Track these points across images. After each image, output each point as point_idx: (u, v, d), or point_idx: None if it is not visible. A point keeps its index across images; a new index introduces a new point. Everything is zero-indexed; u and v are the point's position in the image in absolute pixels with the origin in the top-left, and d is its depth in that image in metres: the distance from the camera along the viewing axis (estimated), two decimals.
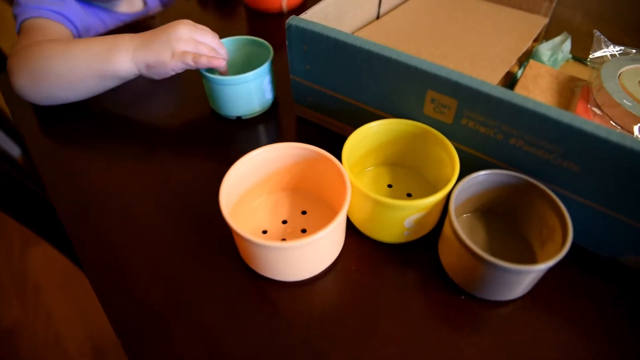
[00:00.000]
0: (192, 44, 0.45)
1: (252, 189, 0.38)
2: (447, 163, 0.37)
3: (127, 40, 0.46)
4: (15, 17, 0.57)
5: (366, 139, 0.39)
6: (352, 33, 0.51)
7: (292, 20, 0.40)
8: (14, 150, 0.84)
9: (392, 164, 0.43)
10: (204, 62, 0.44)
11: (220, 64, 0.45)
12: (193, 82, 0.54)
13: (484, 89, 0.33)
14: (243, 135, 0.48)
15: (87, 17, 0.67)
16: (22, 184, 0.63)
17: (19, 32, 0.55)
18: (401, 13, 0.56)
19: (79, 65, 0.46)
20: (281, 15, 0.66)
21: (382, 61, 0.37)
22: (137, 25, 0.69)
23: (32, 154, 0.48)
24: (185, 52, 0.44)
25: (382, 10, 0.55)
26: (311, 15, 0.42)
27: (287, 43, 0.42)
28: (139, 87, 0.55)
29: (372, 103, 0.41)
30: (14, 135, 0.86)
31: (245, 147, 0.38)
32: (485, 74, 0.45)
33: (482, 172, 0.35)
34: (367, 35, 0.51)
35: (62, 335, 1.14)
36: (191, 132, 0.49)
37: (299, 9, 0.67)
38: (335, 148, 0.37)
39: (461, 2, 0.58)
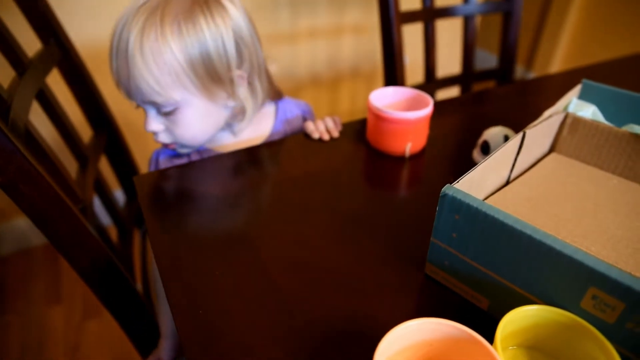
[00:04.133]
0: None
1: (390, 358, 0.36)
2: None
3: None
4: None
5: (517, 321, 0.37)
6: (485, 198, 0.52)
7: (447, 189, 0.41)
8: (105, 219, 0.88)
9: (532, 347, 0.40)
10: None
11: None
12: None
13: None
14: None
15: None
16: (110, 257, 0.66)
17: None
18: (530, 180, 0.56)
19: None
20: (402, 159, 0.69)
21: (542, 248, 0.36)
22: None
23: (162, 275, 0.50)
24: None
25: (513, 174, 0.56)
26: (462, 184, 0.43)
27: (437, 209, 0.42)
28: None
29: (519, 283, 0.40)
30: (107, 203, 0.91)
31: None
32: (633, 263, 0.43)
33: None
34: (499, 202, 0.51)
35: None
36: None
37: (420, 155, 0.70)
38: (464, 315, 0.40)
39: (590, 174, 0.58)
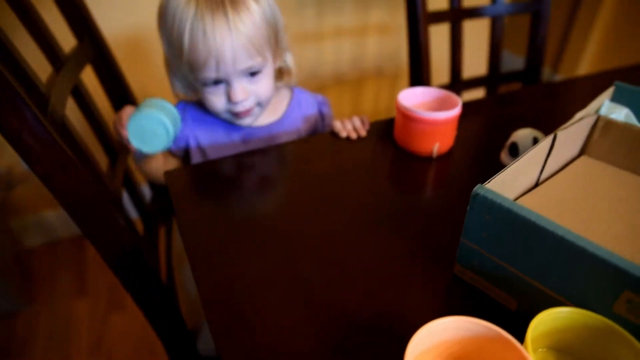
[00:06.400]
0: None
1: (417, 355, 0.37)
2: None
3: None
4: None
5: (547, 323, 0.37)
6: (515, 200, 0.52)
7: (479, 189, 0.41)
8: (132, 213, 0.90)
9: (562, 350, 0.40)
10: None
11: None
12: None
13: None
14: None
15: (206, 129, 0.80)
16: (136, 249, 0.67)
17: None
18: (560, 182, 0.56)
19: None
20: (429, 160, 0.69)
21: (575, 250, 0.36)
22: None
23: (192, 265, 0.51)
24: None
25: (542, 176, 0.56)
26: (492, 184, 0.43)
27: (468, 208, 0.42)
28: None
29: (549, 285, 0.40)
30: (135, 197, 0.93)
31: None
32: None
33: None
34: (529, 204, 0.51)
35: None
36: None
37: (447, 155, 0.70)
38: (492, 316, 0.38)
39: (622, 177, 0.57)
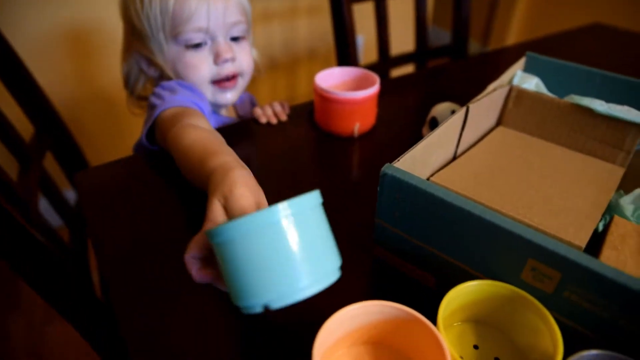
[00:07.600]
0: None
1: (334, 343, 0.36)
2: (544, 333, 0.35)
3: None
4: (152, 107, 0.67)
5: (460, 298, 0.38)
6: (432, 175, 0.52)
7: (387, 169, 0.41)
8: (55, 221, 0.85)
9: (478, 321, 0.41)
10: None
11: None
12: None
13: (593, 266, 0.32)
14: None
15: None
16: (59, 260, 0.63)
17: (156, 118, 0.64)
18: (477, 154, 0.56)
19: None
20: (351, 140, 0.68)
21: (481, 224, 0.36)
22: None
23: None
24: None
25: (459, 149, 0.56)
26: (403, 162, 0.43)
27: (378, 189, 0.42)
28: None
29: (462, 259, 0.40)
30: (57, 203, 0.88)
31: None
32: (572, 233, 0.44)
33: (593, 352, 0.32)
34: (446, 178, 0.51)
35: None
36: None
37: (369, 134, 0.70)
38: (415, 294, 0.42)
39: (535, 145, 0.59)
